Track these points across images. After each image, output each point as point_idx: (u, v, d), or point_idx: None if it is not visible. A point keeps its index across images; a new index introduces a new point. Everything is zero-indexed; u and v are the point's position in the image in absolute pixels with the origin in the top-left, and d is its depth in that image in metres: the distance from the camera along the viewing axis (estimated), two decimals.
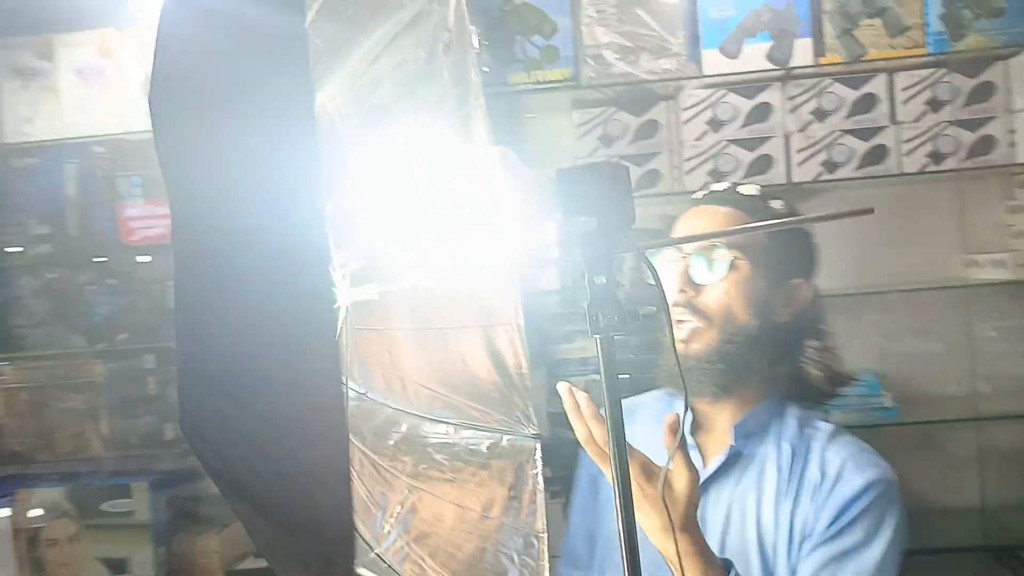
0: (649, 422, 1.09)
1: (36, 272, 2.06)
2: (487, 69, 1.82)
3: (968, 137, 1.83)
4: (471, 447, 1.18)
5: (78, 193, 2.01)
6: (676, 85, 1.91)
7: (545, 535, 1.17)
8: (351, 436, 1.06)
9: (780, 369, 1.10)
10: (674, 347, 0.87)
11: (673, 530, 0.88)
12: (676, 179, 1.92)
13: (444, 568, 1.03)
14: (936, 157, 1.84)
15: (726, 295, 1.05)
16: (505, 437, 1.25)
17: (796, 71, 1.85)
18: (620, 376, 1.88)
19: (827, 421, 1.10)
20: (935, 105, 1.84)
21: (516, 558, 1.12)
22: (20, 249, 2.05)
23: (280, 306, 0.40)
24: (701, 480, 1.00)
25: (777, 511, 1.01)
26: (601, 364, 0.86)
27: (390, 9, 1.06)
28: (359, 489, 1.04)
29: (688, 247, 1.07)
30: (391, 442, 1.09)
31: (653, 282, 0.87)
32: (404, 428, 1.13)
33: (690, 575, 0.91)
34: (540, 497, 1.15)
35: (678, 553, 0.87)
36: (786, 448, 1.05)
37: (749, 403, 1.09)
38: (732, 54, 1.85)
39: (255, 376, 0.40)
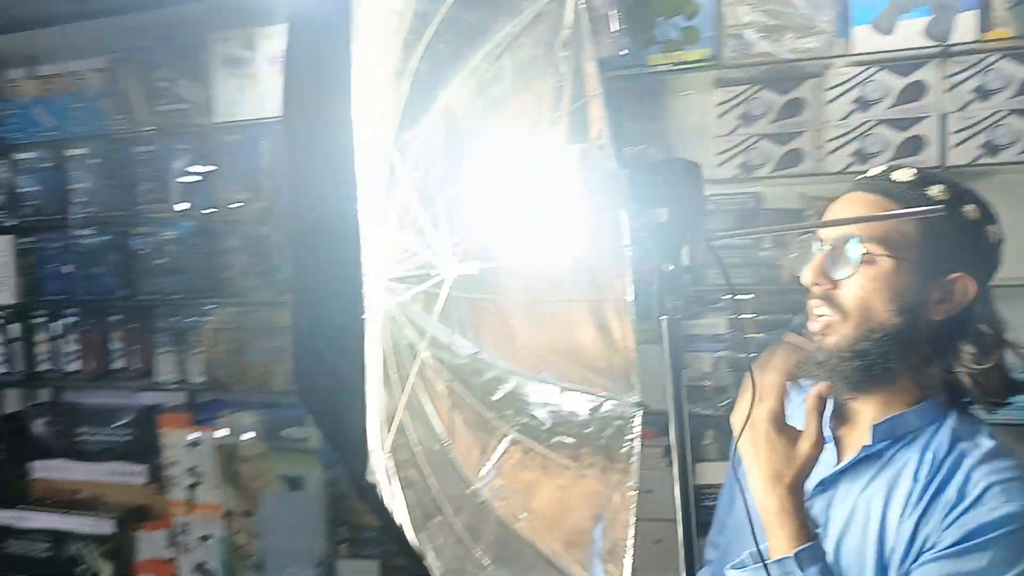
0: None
1: (238, 231, 2.42)
2: (625, 52, 1.89)
3: None
4: (572, 408, 1.30)
5: (271, 165, 2.34)
6: (824, 62, 1.87)
7: (635, 494, 1.28)
8: (461, 388, 1.21)
9: (934, 371, 1.01)
10: (742, 330, 0.93)
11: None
12: (818, 159, 1.89)
13: (533, 513, 1.17)
14: None
15: (862, 290, 0.98)
16: (608, 402, 1.36)
17: (956, 47, 1.75)
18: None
19: (992, 438, 0.99)
20: None
21: (605, 514, 1.24)
22: (239, 205, 2.40)
23: (320, 279, 0.54)
24: (831, 473, 1.02)
25: (902, 520, 0.96)
26: (666, 342, 0.94)
27: (511, 12, 1.19)
28: (465, 435, 1.20)
29: (827, 238, 1.01)
30: (496, 397, 1.24)
31: (723, 270, 0.93)
32: (510, 386, 1.27)
33: (780, 531, 0.96)
34: (636, 459, 1.26)
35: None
36: (929, 458, 0.98)
37: (899, 404, 1.01)
38: (885, 30, 1.78)
39: (315, 335, 0.55)
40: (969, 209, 0.98)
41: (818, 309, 1.02)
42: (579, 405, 1.32)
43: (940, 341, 0.99)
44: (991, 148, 1.75)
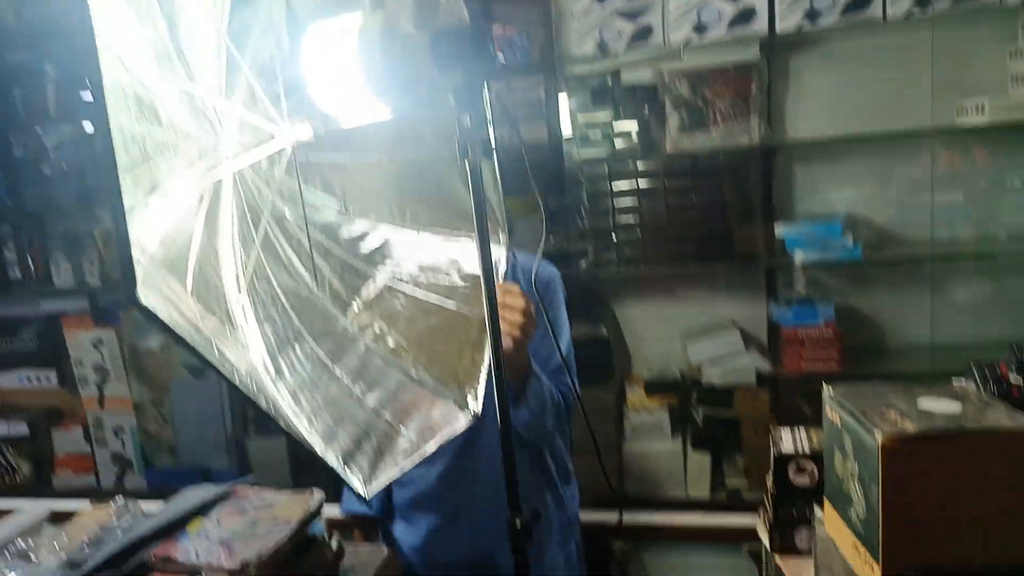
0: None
1: None
2: None
3: None
4: (442, 251, 1.44)
5: None
6: None
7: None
8: (328, 241, 1.32)
9: None
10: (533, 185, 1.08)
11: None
12: (664, 34, 2.02)
13: (404, 336, 1.32)
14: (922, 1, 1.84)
15: None
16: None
17: None
18: None
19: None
20: None
21: (464, 334, 1.40)
22: None
23: None
24: None
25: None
26: (471, 184, 1.09)
27: None
28: (333, 279, 1.31)
29: None
30: (365, 248, 1.36)
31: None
32: (379, 237, 1.39)
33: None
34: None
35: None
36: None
37: None
38: None
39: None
40: None
41: None
42: (448, 248, 1.46)
43: None
44: (812, 14, 1.90)
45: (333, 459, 0.97)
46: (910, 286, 2.01)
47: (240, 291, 1.09)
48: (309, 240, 1.29)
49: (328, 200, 1.38)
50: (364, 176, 1.39)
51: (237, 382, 0.85)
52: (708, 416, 2.11)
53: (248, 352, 1.01)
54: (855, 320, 2.04)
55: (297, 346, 1.15)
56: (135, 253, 0.81)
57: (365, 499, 1.00)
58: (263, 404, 0.88)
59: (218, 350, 0.83)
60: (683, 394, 2.18)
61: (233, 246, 1.12)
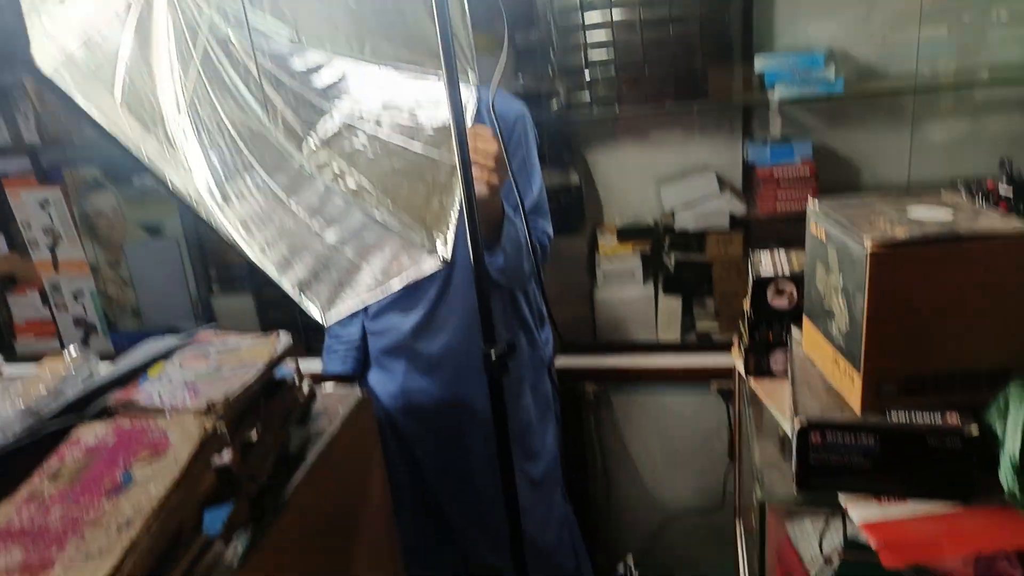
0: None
1: None
2: None
3: None
4: (406, 89, 1.33)
5: None
6: None
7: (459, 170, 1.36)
8: (280, 71, 1.21)
9: None
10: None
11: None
12: None
13: (364, 176, 1.24)
14: None
15: None
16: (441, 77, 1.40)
17: None
18: None
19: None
20: None
21: (431, 178, 1.33)
22: None
23: None
24: None
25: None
26: (437, 27, 0.98)
27: None
28: (286, 112, 1.21)
29: None
30: (321, 83, 1.25)
31: None
32: (337, 71, 1.27)
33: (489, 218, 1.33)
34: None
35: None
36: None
37: None
38: None
39: None
40: None
41: None
42: (414, 86, 1.35)
43: None
44: None
45: (288, 286, 0.92)
46: (889, 124, 1.95)
47: (180, 112, 1.00)
48: (257, 67, 1.17)
49: (278, 27, 1.25)
50: (318, 2, 1.26)
51: (170, 187, 0.77)
52: (680, 261, 2.09)
53: (192, 176, 0.93)
54: (832, 160, 1.99)
55: (247, 176, 1.07)
56: (51, 47, 0.72)
57: (324, 327, 0.96)
58: (203, 214, 0.81)
59: (148, 158, 0.75)
60: (655, 240, 2.15)
61: (171, 64, 1.01)
